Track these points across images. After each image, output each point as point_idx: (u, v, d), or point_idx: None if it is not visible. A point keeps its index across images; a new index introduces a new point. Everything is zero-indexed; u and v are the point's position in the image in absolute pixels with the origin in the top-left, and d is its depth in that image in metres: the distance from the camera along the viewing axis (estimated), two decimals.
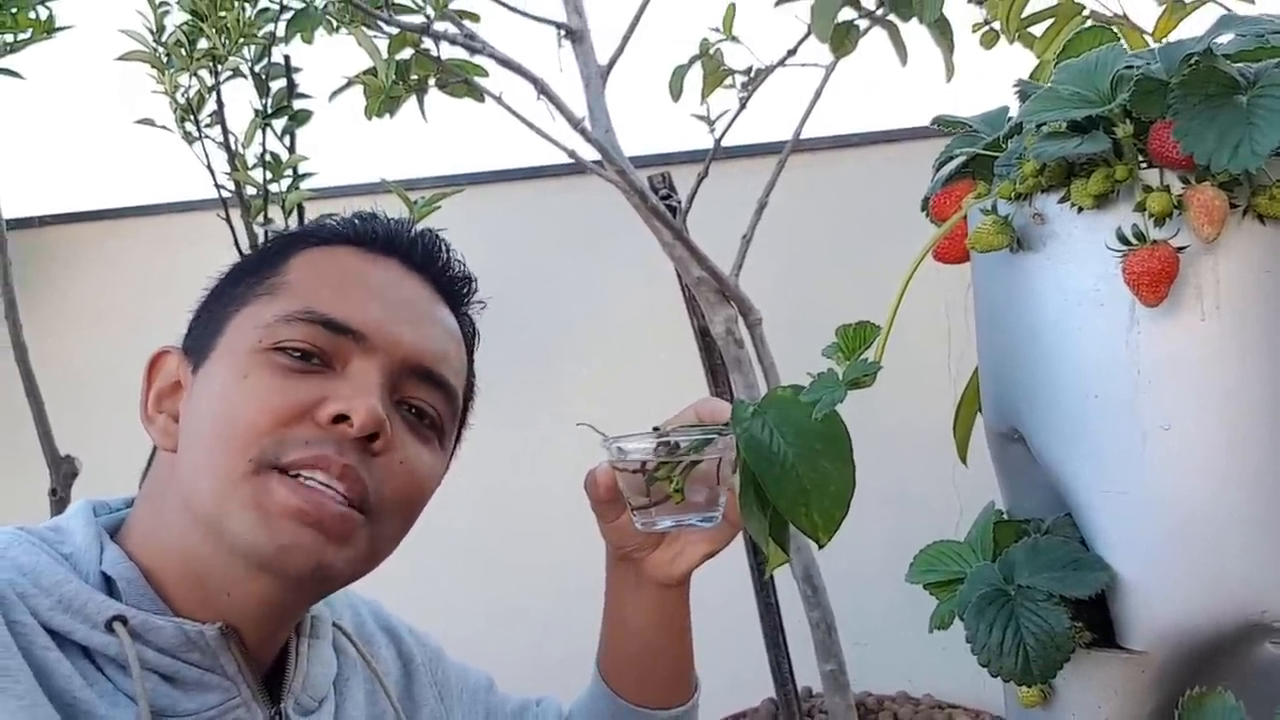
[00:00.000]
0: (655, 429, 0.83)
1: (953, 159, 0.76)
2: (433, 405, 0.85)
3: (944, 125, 0.79)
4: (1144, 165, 0.61)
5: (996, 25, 1.78)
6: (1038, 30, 1.60)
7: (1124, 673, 0.62)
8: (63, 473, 2.23)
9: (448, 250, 0.92)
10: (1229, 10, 1.19)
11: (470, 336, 0.95)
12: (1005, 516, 0.72)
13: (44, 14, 2.23)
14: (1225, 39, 0.63)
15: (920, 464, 2.43)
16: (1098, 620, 0.64)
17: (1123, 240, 0.59)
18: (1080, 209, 0.62)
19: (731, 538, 0.92)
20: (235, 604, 0.79)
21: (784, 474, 0.69)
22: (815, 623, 1.98)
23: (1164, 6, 1.34)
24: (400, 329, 0.83)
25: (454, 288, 0.92)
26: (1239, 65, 0.59)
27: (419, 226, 0.91)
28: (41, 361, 2.35)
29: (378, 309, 0.83)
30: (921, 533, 0.75)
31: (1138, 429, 0.60)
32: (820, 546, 0.70)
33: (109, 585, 0.77)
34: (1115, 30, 0.72)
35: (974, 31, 1.82)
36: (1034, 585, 0.62)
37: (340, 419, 0.78)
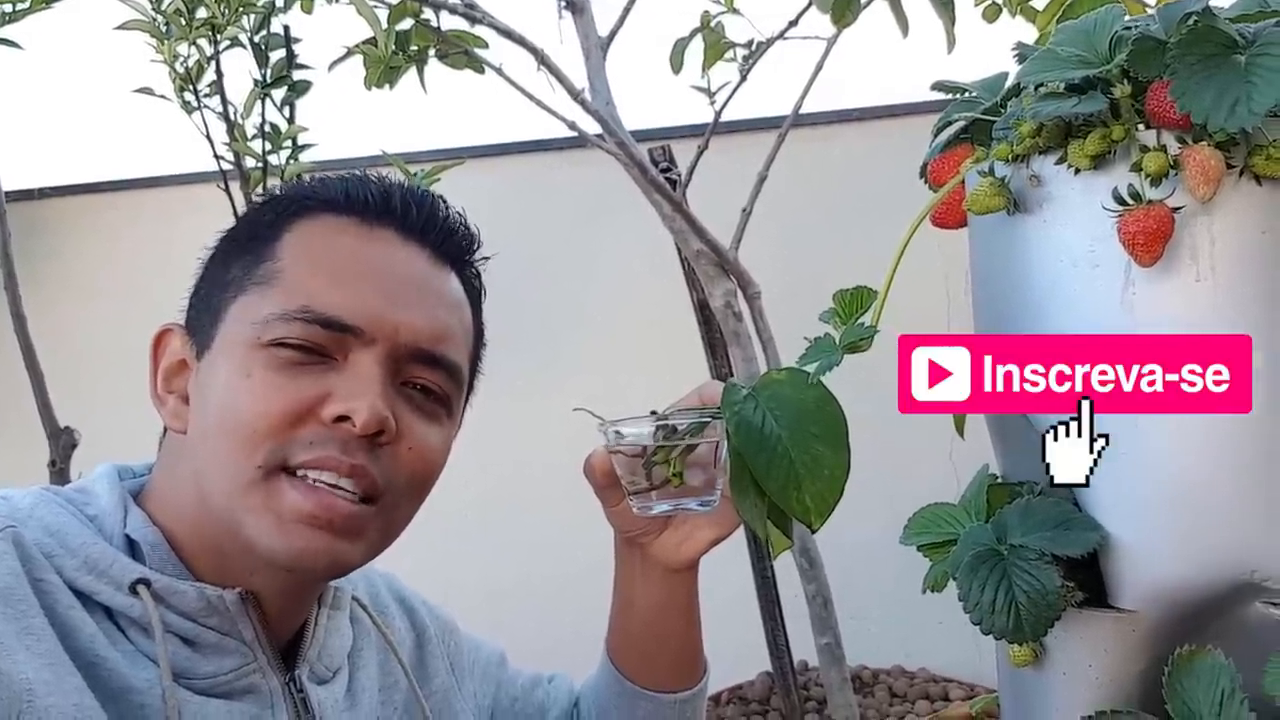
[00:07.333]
0: (653, 412, 0.82)
1: (951, 124, 0.76)
2: (437, 383, 0.85)
3: (943, 89, 0.79)
4: (1141, 126, 0.61)
5: None
6: (1039, 4, 1.60)
7: (1114, 632, 0.63)
8: (62, 444, 2.24)
9: (447, 210, 0.89)
10: None
11: (476, 293, 0.93)
12: (999, 479, 0.73)
13: None
14: (1225, 0, 0.63)
15: (918, 439, 2.43)
16: (1089, 580, 0.64)
17: (1119, 200, 0.59)
18: (1077, 170, 0.62)
19: (739, 524, 0.89)
20: (255, 583, 0.80)
21: (775, 457, 0.68)
22: (811, 596, 1.99)
23: None
24: (399, 315, 0.81)
25: (455, 249, 0.90)
26: (1238, 25, 0.59)
27: (412, 186, 0.88)
28: (41, 333, 2.35)
29: (375, 297, 0.81)
30: (918, 507, 0.75)
31: None
32: (813, 531, 0.69)
33: (132, 548, 0.78)
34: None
35: (976, 5, 1.81)
36: (1026, 545, 0.63)
37: (343, 419, 0.77)
